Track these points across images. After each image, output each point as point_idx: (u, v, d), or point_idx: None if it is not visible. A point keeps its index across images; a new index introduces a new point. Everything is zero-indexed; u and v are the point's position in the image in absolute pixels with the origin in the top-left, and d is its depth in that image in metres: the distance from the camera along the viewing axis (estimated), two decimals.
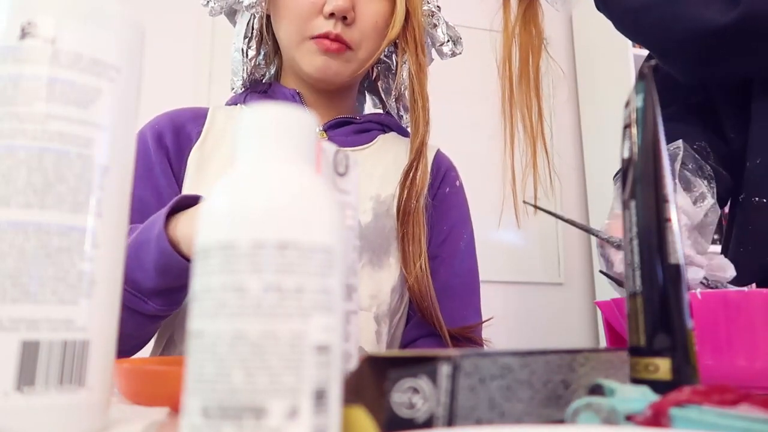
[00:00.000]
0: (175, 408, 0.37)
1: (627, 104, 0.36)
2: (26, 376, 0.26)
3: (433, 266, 0.74)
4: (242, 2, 0.75)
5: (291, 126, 0.24)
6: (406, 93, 0.81)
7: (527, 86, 0.74)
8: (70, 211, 0.28)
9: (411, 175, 0.72)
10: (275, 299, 0.20)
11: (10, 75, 0.28)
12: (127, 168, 0.32)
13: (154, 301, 0.58)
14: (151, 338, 0.67)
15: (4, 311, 0.26)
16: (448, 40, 0.80)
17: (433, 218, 0.75)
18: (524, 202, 0.72)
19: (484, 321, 0.75)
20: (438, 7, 0.80)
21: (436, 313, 0.70)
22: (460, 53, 0.81)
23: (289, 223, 0.21)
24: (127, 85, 0.31)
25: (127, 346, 0.63)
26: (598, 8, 0.78)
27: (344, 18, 0.70)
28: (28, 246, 0.27)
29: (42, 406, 0.26)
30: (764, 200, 0.79)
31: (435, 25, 0.79)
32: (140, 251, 0.55)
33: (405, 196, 0.71)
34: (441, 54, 0.80)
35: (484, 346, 0.75)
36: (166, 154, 0.72)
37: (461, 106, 2.12)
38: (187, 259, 0.53)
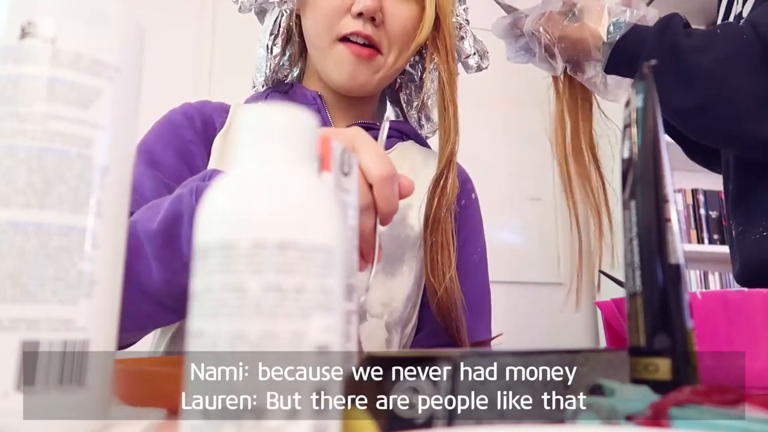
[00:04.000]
0: (171, 409, 0.37)
1: (627, 104, 0.36)
2: (26, 376, 0.26)
3: None
4: (276, 4, 0.75)
5: (291, 126, 0.24)
6: (429, 102, 0.81)
7: (581, 156, 0.76)
8: (70, 211, 0.28)
9: (441, 183, 0.70)
10: (275, 299, 0.20)
11: (10, 75, 0.28)
12: (127, 168, 0.32)
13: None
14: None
15: (4, 311, 0.26)
16: (475, 53, 0.79)
17: None
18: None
19: (494, 337, 0.75)
20: (467, 20, 0.80)
21: (461, 326, 0.68)
22: (486, 68, 0.81)
23: (289, 223, 0.21)
24: (127, 85, 0.31)
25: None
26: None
27: (372, 19, 0.69)
28: (28, 246, 0.27)
29: (42, 406, 0.26)
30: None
31: (462, 38, 0.78)
32: (179, 229, 0.52)
33: (435, 204, 0.70)
34: (466, 67, 0.80)
35: None
36: (196, 137, 0.72)
37: (463, 107, 2.12)
38: None
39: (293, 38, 0.80)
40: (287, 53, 0.81)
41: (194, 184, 0.52)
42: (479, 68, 0.80)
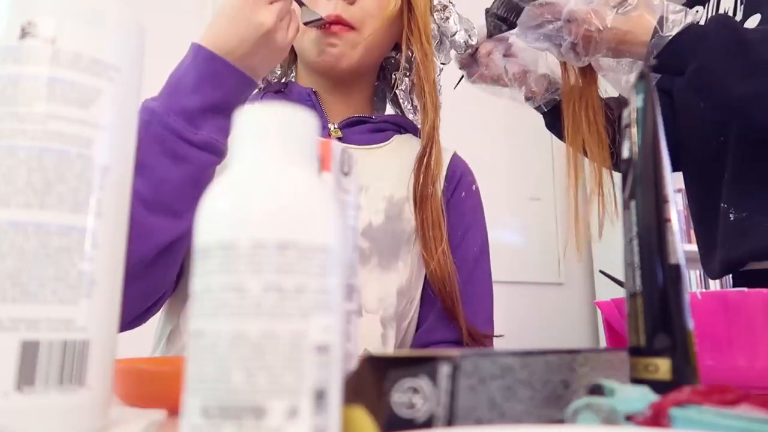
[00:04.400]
0: (171, 409, 0.37)
1: (627, 104, 0.36)
2: (26, 376, 0.26)
3: None
4: None
5: (291, 126, 0.24)
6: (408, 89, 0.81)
7: (588, 118, 0.80)
8: (70, 211, 0.28)
9: (425, 161, 0.72)
10: (275, 299, 0.20)
11: (10, 75, 0.28)
12: (127, 168, 0.32)
13: (204, 126, 0.58)
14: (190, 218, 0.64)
15: (4, 311, 0.26)
16: (460, 30, 0.80)
17: (449, 222, 0.75)
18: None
19: (494, 335, 0.75)
20: (451, 1, 0.80)
21: (457, 301, 0.69)
22: (475, 44, 0.81)
23: (289, 223, 0.21)
24: (127, 85, 0.31)
25: (166, 236, 0.58)
26: (693, 96, 0.78)
27: None
28: (28, 246, 0.27)
29: (42, 406, 0.26)
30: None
31: (447, 18, 0.79)
32: (180, 80, 0.58)
33: (421, 181, 0.71)
34: (456, 46, 0.80)
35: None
36: None
37: (462, 107, 2.12)
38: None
39: None
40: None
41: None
42: (468, 45, 0.81)
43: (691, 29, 0.69)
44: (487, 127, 2.22)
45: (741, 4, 0.84)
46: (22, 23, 0.28)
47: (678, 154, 0.94)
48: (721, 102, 0.73)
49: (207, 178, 0.60)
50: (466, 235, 0.77)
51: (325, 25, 0.71)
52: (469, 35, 0.80)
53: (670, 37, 0.69)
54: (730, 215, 0.83)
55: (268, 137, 0.23)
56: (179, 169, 0.57)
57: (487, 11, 0.80)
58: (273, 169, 0.23)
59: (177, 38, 2.04)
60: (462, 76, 0.87)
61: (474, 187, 0.81)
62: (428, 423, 0.26)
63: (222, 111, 0.59)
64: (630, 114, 0.35)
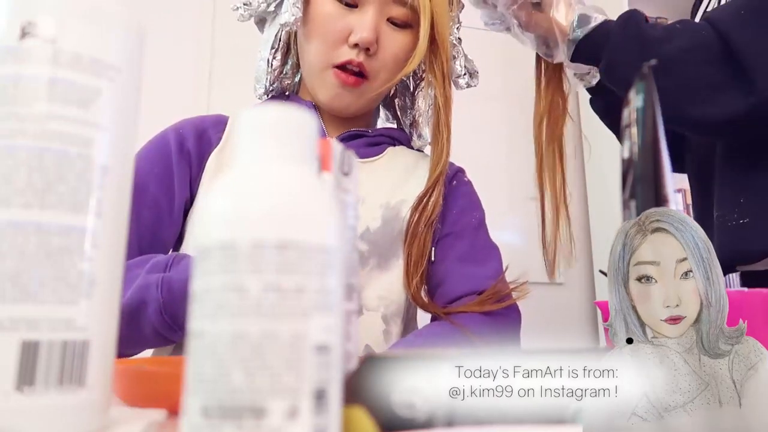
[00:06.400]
0: (171, 409, 0.37)
1: (626, 104, 0.36)
2: (26, 376, 0.26)
3: (448, 241, 0.76)
4: (278, 19, 0.76)
5: (291, 126, 0.24)
6: (420, 120, 0.83)
7: (553, 152, 0.80)
8: (70, 211, 0.28)
9: (425, 201, 0.73)
10: (275, 299, 0.20)
11: (10, 75, 0.28)
12: (127, 168, 0.32)
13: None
14: None
15: (4, 311, 0.26)
16: (465, 74, 0.81)
17: (443, 209, 0.76)
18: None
19: (512, 285, 0.75)
20: (459, 39, 0.81)
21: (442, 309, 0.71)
22: (475, 86, 0.83)
23: (289, 223, 0.21)
24: (127, 85, 0.31)
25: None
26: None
27: (367, 49, 0.72)
28: (28, 246, 0.27)
29: (42, 406, 0.26)
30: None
31: (454, 57, 0.80)
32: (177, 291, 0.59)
33: (415, 219, 0.73)
34: (456, 85, 0.82)
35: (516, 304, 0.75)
36: (188, 160, 0.74)
37: (462, 108, 2.12)
38: None
39: (292, 50, 0.82)
40: (289, 62, 0.83)
41: (161, 276, 0.58)
42: (468, 86, 0.82)
43: (599, 26, 0.72)
44: (486, 127, 2.22)
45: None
46: (22, 23, 0.28)
47: (683, 155, 0.95)
48: (622, 95, 0.74)
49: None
50: (462, 211, 0.79)
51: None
52: (471, 78, 0.82)
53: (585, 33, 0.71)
54: (726, 220, 0.84)
55: (268, 137, 0.24)
56: (172, 338, 0.61)
57: None
58: (273, 169, 0.23)
59: (177, 38, 2.05)
60: None
61: (466, 179, 0.83)
62: (428, 423, 0.26)
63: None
64: (630, 114, 0.35)
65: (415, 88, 0.85)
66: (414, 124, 0.84)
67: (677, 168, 0.96)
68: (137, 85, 0.33)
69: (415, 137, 0.85)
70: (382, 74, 0.74)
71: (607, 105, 0.86)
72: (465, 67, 0.81)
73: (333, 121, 0.80)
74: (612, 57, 0.71)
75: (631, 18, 0.73)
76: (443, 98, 0.75)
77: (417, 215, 0.73)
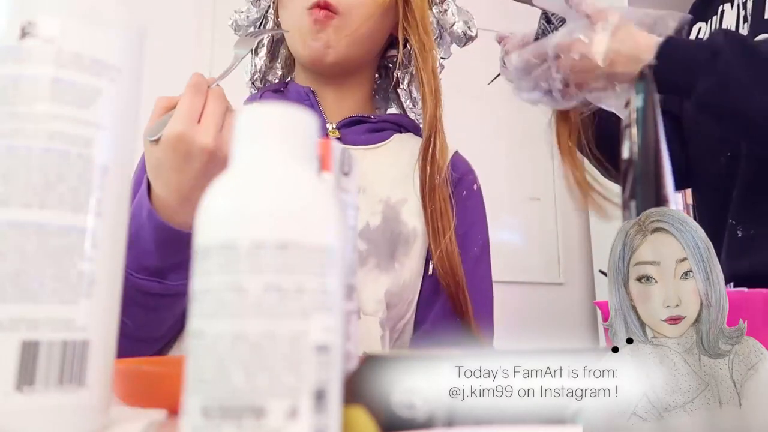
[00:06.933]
0: (171, 409, 0.37)
1: (627, 104, 0.36)
2: (26, 376, 0.26)
3: None
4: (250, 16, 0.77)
5: (291, 126, 0.24)
6: (411, 86, 0.81)
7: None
8: (70, 211, 0.28)
9: (430, 151, 0.72)
10: (275, 299, 0.20)
11: (11, 75, 0.28)
12: (128, 168, 0.32)
13: (171, 277, 0.58)
14: (182, 326, 0.66)
15: (4, 311, 0.26)
16: (459, 21, 0.78)
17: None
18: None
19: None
20: None
21: (463, 288, 0.69)
22: (475, 35, 0.80)
23: (289, 223, 0.21)
24: (128, 86, 0.31)
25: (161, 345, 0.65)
26: (708, 114, 0.75)
27: None
28: (28, 246, 0.27)
29: (42, 406, 0.26)
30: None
31: (445, 10, 0.78)
32: (139, 238, 0.57)
33: (428, 172, 0.71)
34: (455, 38, 0.79)
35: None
36: None
37: (463, 107, 2.12)
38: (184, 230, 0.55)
39: (281, 51, 0.83)
40: (279, 57, 0.83)
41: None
42: (467, 36, 0.79)
43: (700, 44, 0.67)
44: (487, 127, 2.22)
45: (745, 22, 0.82)
46: (22, 23, 0.28)
47: (688, 171, 0.94)
48: (741, 119, 0.71)
49: (185, 309, 0.62)
50: (467, 234, 0.76)
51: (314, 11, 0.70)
52: (468, 26, 0.79)
53: (675, 53, 0.66)
54: (738, 231, 0.83)
55: (268, 137, 0.24)
56: (156, 314, 0.59)
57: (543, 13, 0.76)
58: (273, 169, 0.23)
59: (177, 38, 2.05)
60: (498, 74, 0.82)
61: (475, 187, 0.81)
62: (428, 423, 0.26)
63: (186, 263, 0.59)
64: (630, 114, 0.35)
65: (400, 50, 0.82)
66: (410, 83, 0.82)
67: (680, 185, 0.96)
68: (138, 86, 0.33)
69: (412, 105, 0.83)
70: (355, 10, 0.71)
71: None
72: (457, 15, 0.78)
73: (331, 104, 0.77)
74: (725, 78, 0.66)
75: (737, 35, 0.69)
76: (419, 44, 0.72)
77: (428, 168, 0.71)
